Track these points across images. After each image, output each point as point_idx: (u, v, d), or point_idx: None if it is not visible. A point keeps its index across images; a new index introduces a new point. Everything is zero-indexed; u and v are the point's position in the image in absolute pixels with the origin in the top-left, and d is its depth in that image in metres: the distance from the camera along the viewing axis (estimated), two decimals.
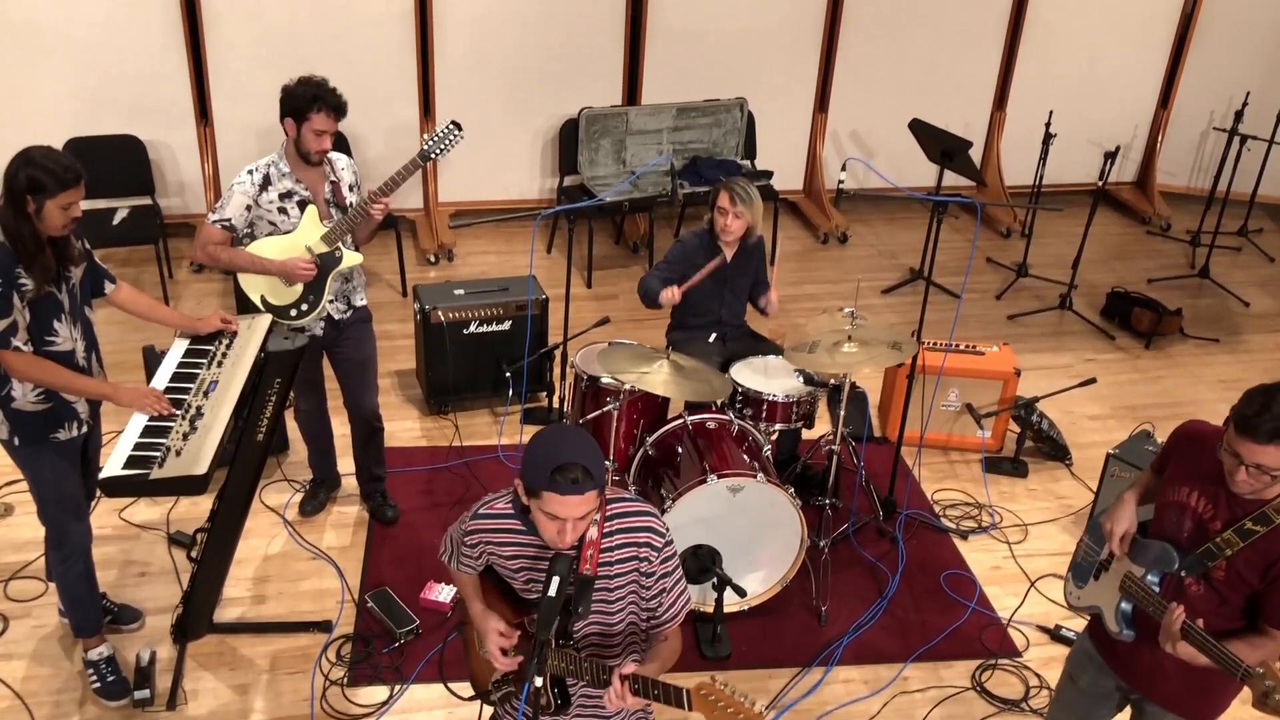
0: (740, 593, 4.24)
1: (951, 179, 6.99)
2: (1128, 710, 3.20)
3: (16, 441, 3.54)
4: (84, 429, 3.64)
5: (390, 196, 4.19)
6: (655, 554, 2.58)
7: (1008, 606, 4.57)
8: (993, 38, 7.72)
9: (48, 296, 3.39)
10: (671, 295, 4.64)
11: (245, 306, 4.29)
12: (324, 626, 4.25)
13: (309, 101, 3.97)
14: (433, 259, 7.04)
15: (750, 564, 4.35)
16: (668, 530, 2.63)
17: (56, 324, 3.44)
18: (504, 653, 2.69)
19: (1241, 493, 2.71)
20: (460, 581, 2.86)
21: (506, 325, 5.48)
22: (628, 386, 4.34)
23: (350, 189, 4.29)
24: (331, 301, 4.33)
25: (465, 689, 3.31)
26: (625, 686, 2.44)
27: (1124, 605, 2.95)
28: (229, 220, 4.12)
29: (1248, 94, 7.39)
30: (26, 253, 3.29)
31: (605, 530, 2.56)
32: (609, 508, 2.59)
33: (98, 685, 3.91)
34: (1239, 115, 7.29)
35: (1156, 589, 2.86)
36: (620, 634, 2.67)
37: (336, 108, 4.02)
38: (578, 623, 2.60)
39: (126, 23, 6.43)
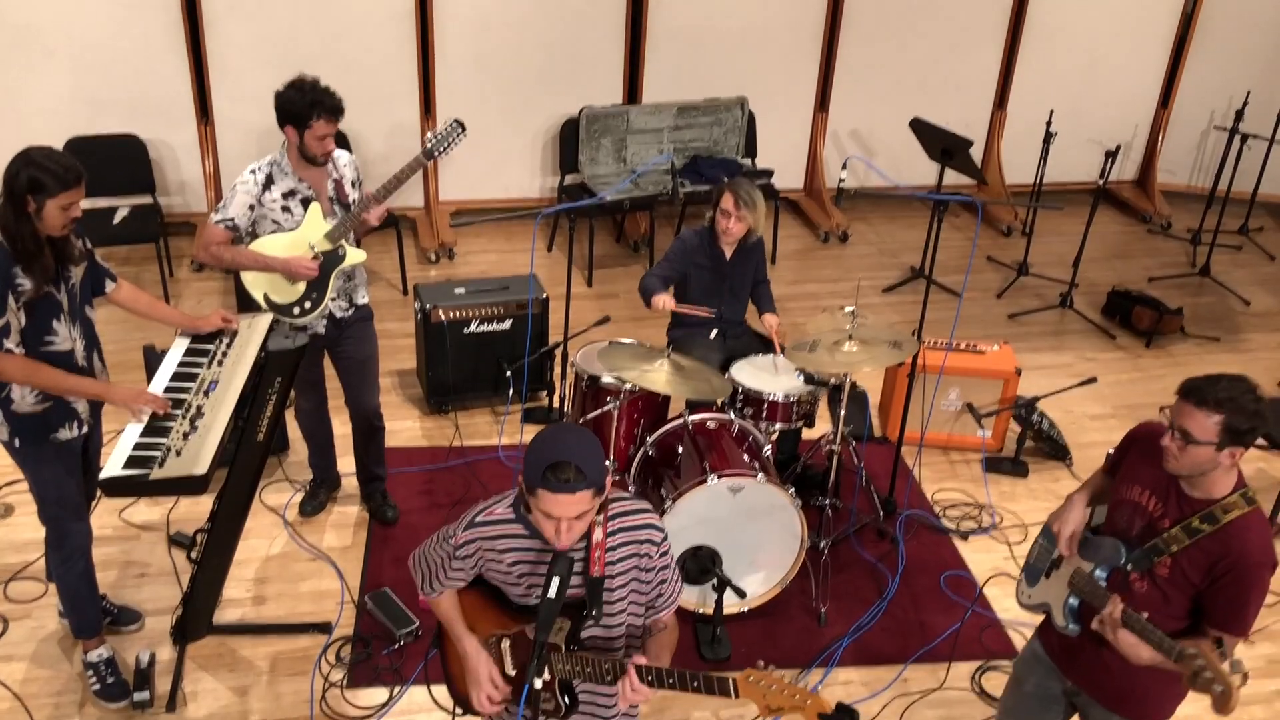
0: (740, 594, 4.24)
1: (952, 178, 6.98)
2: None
3: (17, 443, 3.54)
4: (84, 429, 3.64)
5: (385, 201, 4.19)
6: (655, 549, 2.61)
7: (1008, 607, 4.56)
8: (993, 38, 7.71)
9: (46, 297, 3.39)
10: (663, 303, 4.66)
11: (246, 305, 4.29)
12: (324, 628, 4.25)
13: (308, 108, 3.96)
14: (433, 258, 7.04)
15: (750, 565, 4.35)
16: (664, 526, 2.67)
17: (55, 324, 3.43)
18: (490, 701, 2.70)
19: (1168, 466, 2.73)
20: (444, 612, 2.80)
21: (507, 324, 5.48)
22: (628, 386, 4.34)
23: (353, 185, 4.29)
24: (334, 299, 4.33)
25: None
26: (636, 680, 2.47)
27: (1071, 600, 2.98)
28: (232, 220, 4.12)
29: (1248, 93, 7.39)
30: (26, 253, 3.28)
31: (609, 530, 2.57)
32: (611, 509, 2.59)
33: (97, 687, 3.91)
34: (1239, 114, 7.28)
35: (1103, 584, 2.88)
36: (620, 631, 2.69)
37: (335, 110, 4.00)
38: (590, 625, 2.61)
39: (126, 23, 6.42)
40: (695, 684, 2.44)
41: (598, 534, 2.53)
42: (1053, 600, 3.06)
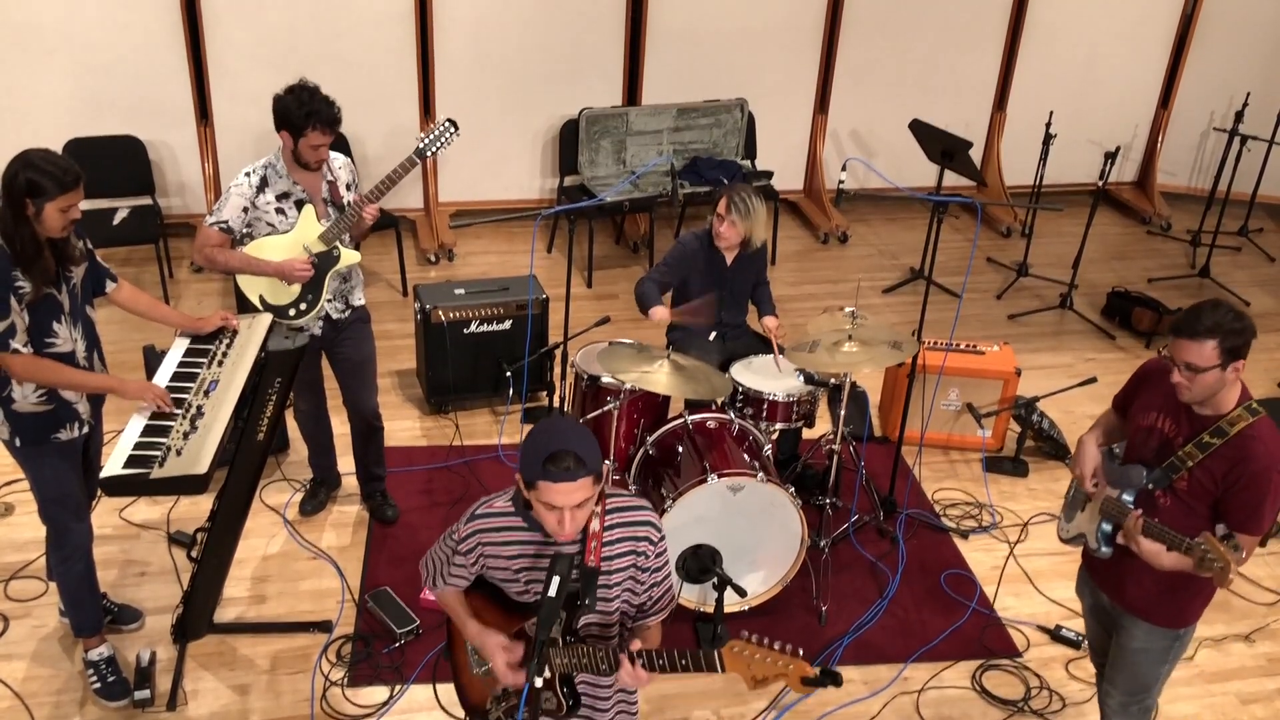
0: (740, 592, 4.24)
1: (952, 179, 6.99)
2: None
3: (17, 442, 3.54)
4: (85, 429, 3.64)
5: (379, 201, 4.20)
6: (652, 547, 2.63)
7: (1008, 606, 4.57)
8: (993, 38, 7.72)
9: (47, 298, 3.39)
10: (659, 316, 4.64)
11: (245, 306, 4.30)
12: (324, 626, 4.25)
13: (304, 119, 3.95)
14: (433, 259, 7.04)
15: (750, 564, 4.35)
16: (662, 526, 2.68)
17: (56, 325, 3.43)
18: (511, 666, 2.69)
19: (1183, 398, 3.01)
20: (449, 603, 2.83)
21: (507, 325, 5.48)
22: (628, 386, 4.34)
23: (348, 188, 4.29)
24: (330, 301, 4.34)
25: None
26: (636, 665, 2.48)
27: (1104, 525, 3.27)
28: (226, 222, 4.12)
29: (1248, 94, 7.39)
30: (25, 255, 3.29)
31: (606, 524, 2.59)
32: (608, 502, 2.61)
33: (98, 685, 3.91)
34: (1239, 115, 7.28)
35: (1130, 505, 3.14)
36: (615, 620, 2.71)
37: (331, 121, 3.99)
38: (584, 615, 2.61)
39: (126, 23, 6.42)
40: (684, 662, 2.46)
41: (595, 524, 2.56)
42: (1086, 529, 3.34)
